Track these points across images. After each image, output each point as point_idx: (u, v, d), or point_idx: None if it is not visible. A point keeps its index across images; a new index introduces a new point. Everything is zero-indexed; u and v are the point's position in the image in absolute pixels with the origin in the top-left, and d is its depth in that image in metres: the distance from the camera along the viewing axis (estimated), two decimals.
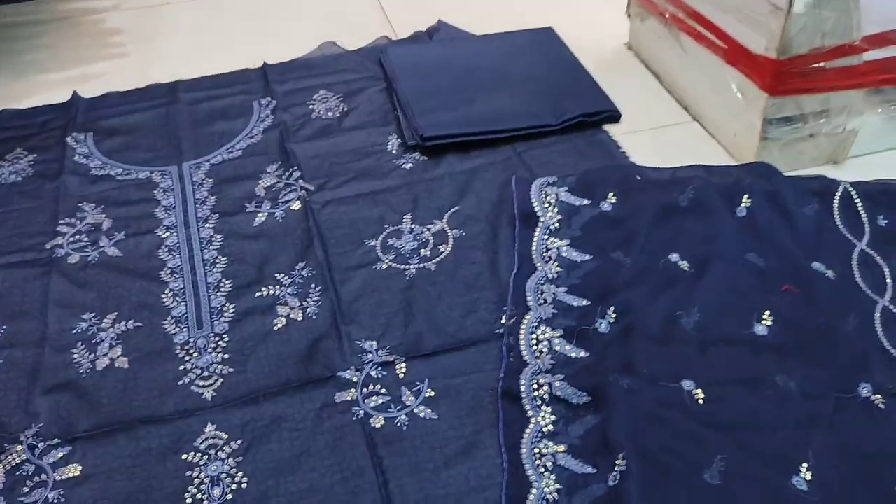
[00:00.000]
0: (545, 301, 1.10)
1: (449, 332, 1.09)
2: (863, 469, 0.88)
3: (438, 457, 0.94)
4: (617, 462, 0.89)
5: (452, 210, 1.29)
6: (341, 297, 1.14)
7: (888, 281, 1.10)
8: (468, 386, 1.02)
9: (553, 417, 0.95)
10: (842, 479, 0.87)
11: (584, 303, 1.09)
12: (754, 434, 0.92)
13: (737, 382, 0.98)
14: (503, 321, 1.08)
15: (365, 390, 1.01)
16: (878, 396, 0.96)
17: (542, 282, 1.13)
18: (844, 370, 0.98)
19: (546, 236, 1.20)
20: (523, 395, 0.98)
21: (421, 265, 1.20)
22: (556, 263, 1.16)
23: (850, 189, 1.23)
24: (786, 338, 1.03)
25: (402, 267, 1.19)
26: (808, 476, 0.88)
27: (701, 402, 0.96)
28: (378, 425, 0.97)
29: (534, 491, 0.88)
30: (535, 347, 1.04)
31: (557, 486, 0.88)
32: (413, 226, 1.26)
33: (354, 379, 1.02)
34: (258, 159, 1.43)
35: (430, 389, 1.01)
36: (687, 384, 0.97)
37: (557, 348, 1.03)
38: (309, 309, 1.13)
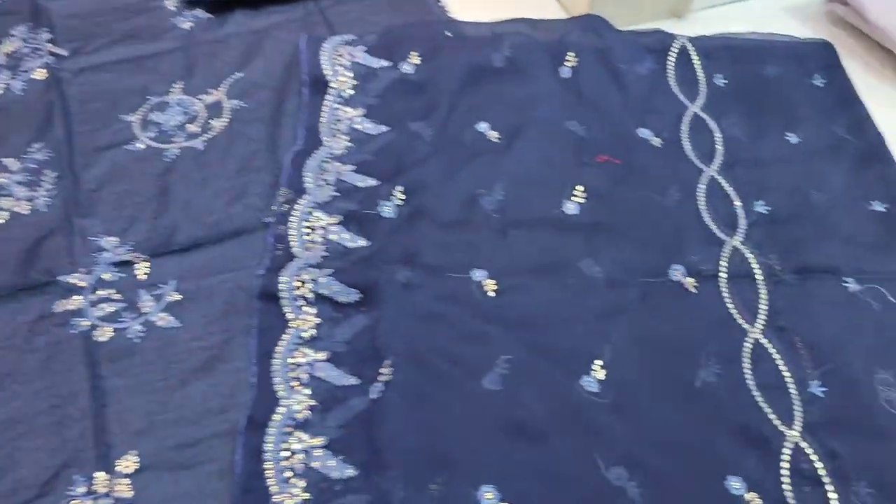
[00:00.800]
0: (326, 182, 0.92)
1: (209, 222, 0.91)
2: (662, 362, 0.77)
3: (175, 374, 0.78)
4: (382, 371, 0.74)
5: (234, 77, 1.07)
6: (81, 184, 0.94)
7: (718, 147, 0.97)
8: (224, 287, 0.85)
9: (317, 320, 0.79)
10: (639, 374, 0.76)
11: (371, 183, 0.91)
12: (548, 330, 0.79)
13: (536, 271, 0.84)
14: (274, 207, 0.90)
15: (93, 297, 0.83)
16: (691, 280, 0.83)
17: (326, 159, 0.95)
18: (658, 250, 0.86)
19: (337, 106, 1.01)
20: (283, 294, 0.81)
21: (187, 144, 0.99)
22: (346, 137, 0.97)
23: (688, 45, 1.08)
24: (597, 216, 0.88)
25: (163, 147, 0.99)
26: (601, 375, 0.75)
27: (492, 294, 0.82)
28: (103, 339, 0.80)
29: (281, 409, 0.73)
30: (307, 237, 0.87)
31: (311, 402, 0.73)
32: (183, 97, 1.05)
33: (81, 283, 0.84)
34: (2, 20, 1.17)
35: (175, 292, 0.84)
36: (477, 274, 0.83)
37: (333, 237, 0.87)
38: (38, 200, 0.92)
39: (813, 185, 0.92)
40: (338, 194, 0.90)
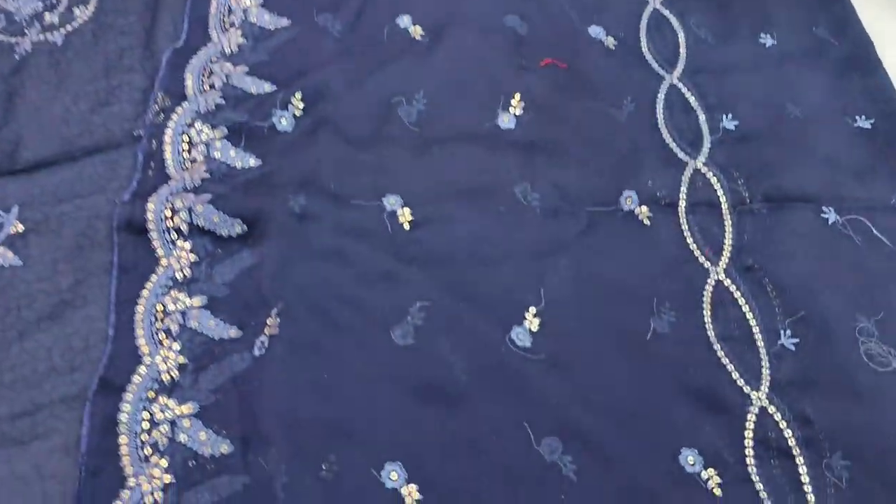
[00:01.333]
0: (211, 87, 0.75)
1: (65, 135, 0.73)
2: (608, 309, 0.64)
3: (13, 323, 0.63)
4: (268, 322, 0.60)
5: None
6: None
7: (681, 50, 0.82)
8: (79, 215, 0.69)
9: (192, 258, 0.64)
10: (579, 324, 0.63)
11: (267, 88, 0.75)
12: (472, 271, 0.66)
13: (460, 197, 0.69)
14: (148, 117, 0.73)
15: None
16: (645, 209, 0.70)
17: (213, 59, 0.77)
18: (607, 174, 0.72)
19: None
20: (151, 225, 0.65)
21: (42, 37, 0.80)
22: (238, 32, 0.80)
23: None
24: (536, 132, 0.74)
25: (13, 40, 0.80)
26: (535, 325, 0.63)
27: (407, 227, 0.67)
28: None
29: (142, 369, 0.59)
30: (185, 155, 0.70)
31: (181, 360, 0.59)
32: None
33: None
34: None
35: (17, 223, 0.67)
36: (390, 202, 0.68)
37: (217, 155, 0.71)
38: None
39: (789, 97, 0.79)
40: (224, 102, 0.74)
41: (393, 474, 0.55)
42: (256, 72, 0.76)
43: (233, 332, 0.61)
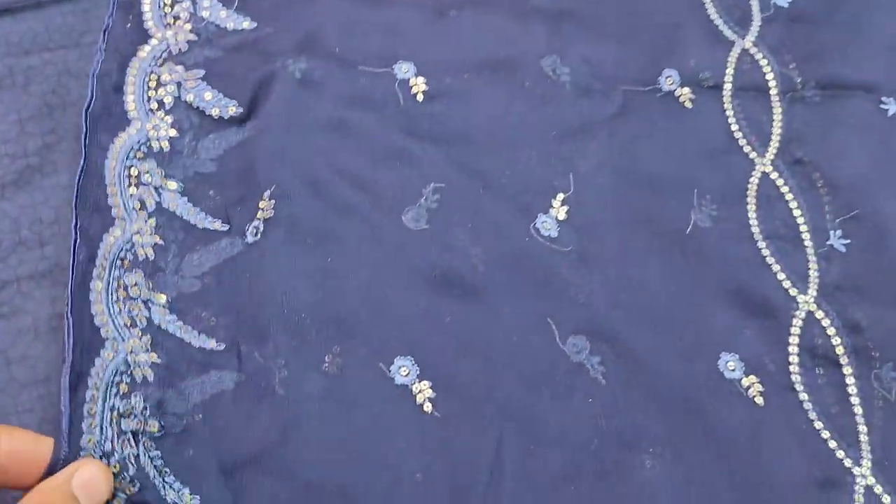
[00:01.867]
0: None
1: None
2: (643, 199, 0.58)
3: None
4: (261, 205, 0.53)
5: None
6: None
7: None
8: (48, 71, 0.61)
9: (173, 132, 0.56)
10: (611, 214, 0.57)
11: None
12: (494, 150, 0.59)
13: (482, 68, 0.61)
14: None
15: None
16: (686, 90, 0.62)
17: None
18: (646, 49, 0.64)
19: None
20: (130, 97, 0.57)
21: None
22: None
23: None
24: None
25: None
26: (562, 214, 0.56)
27: (420, 98, 0.60)
28: None
29: (112, 240, 0.52)
30: (166, 10, 0.61)
31: (158, 240, 0.52)
32: None
33: None
34: None
35: None
36: (402, 69, 0.60)
37: (206, 14, 0.62)
38: None
39: None
40: None
41: (403, 370, 0.49)
42: None
43: (217, 224, 0.54)
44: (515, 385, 0.49)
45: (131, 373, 0.48)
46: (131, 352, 0.49)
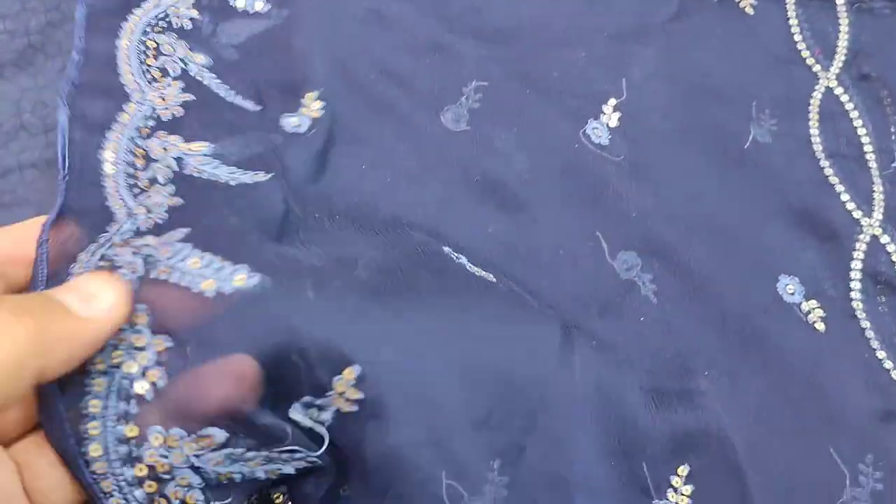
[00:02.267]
0: None
1: None
2: (700, 108, 0.54)
3: None
4: (303, 101, 0.48)
5: None
6: None
7: None
8: None
9: (194, 14, 0.51)
10: (667, 123, 0.52)
11: None
12: (542, 50, 0.54)
13: None
14: None
15: None
16: None
17: None
18: None
19: None
20: None
21: None
22: None
23: None
24: None
25: None
26: (614, 120, 0.52)
27: None
28: None
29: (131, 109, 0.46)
30: None
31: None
32: None
33: None
34: None
35: None
36: None
37: None
38: None
39: None
40: None
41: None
42: None
43: (250, 105, 0.49)
44: (563, 301, 0.46)
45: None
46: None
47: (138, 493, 0.33)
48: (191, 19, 0.50)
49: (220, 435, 0.34)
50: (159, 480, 0.33)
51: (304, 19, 0.51)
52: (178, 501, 0.34)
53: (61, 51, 0.52)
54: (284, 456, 0.35)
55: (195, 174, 0.43)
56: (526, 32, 0.54)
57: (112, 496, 0.33)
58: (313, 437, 0.36)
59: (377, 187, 0.47)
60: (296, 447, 0.35)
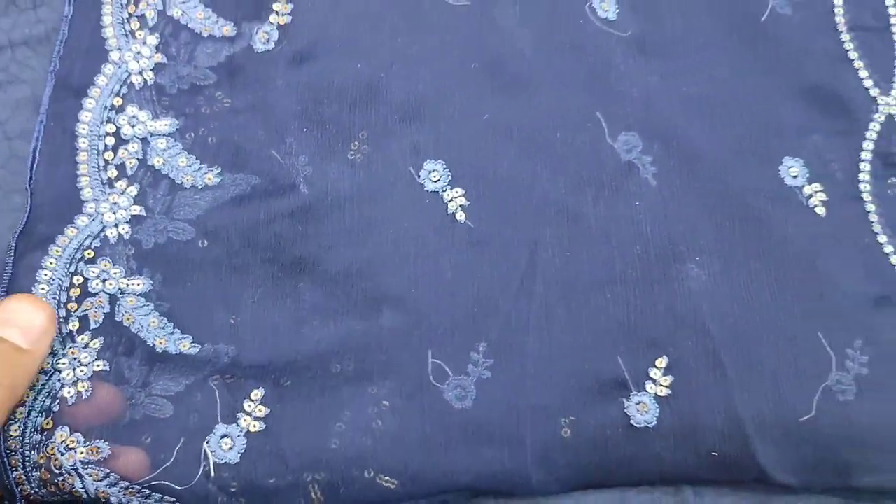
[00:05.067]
0: None
1: None
2: None
3: None
4: (276, 7, 0.47)
5: None
6: None
7: None
8: None
9: None
10: None
11: None
12: None
13: None
14: None
15: None
16: None
17: None
18: None
19: None
20: None
21: None
22: None
23: None
24: None
25: None
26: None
27: None
28: None
29: (109, 68, 0.45)
30: None
31: (158, 57, 0.46)
32: None
33: None
34: None
35: None
36: None
37: None
38: None
39: None
40: None
41: (434, 174, 0.45)
42: None
43: (227, 30, 0.47)
44: (557, 186, 0.45)
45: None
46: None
47: (36, 475, 0.37)
48: None
49: (105, 450, 0.37)
50: (51, 473, 0.37)
51: None
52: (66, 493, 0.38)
53: None
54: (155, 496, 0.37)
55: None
56: None
57: (16, 470, 0.37)
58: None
59: (368, 75, 0.46)
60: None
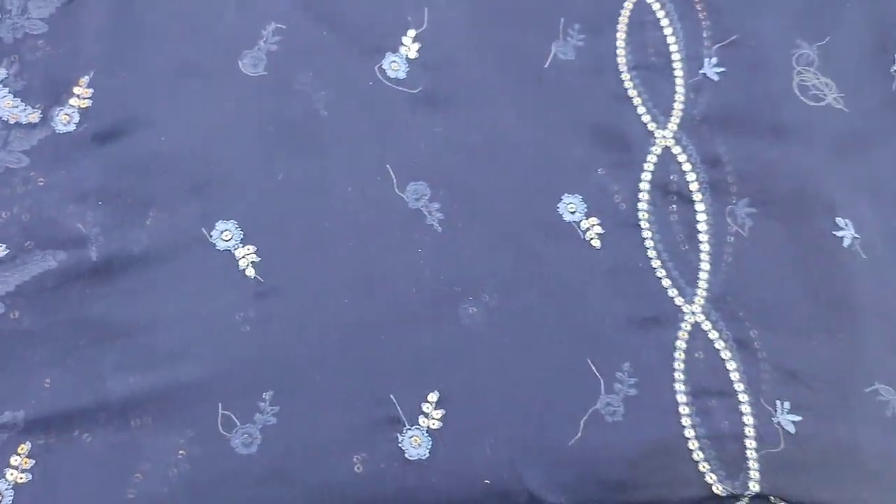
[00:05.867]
0: None
1: None
2: (503, 32, 0.55)
3: None
4: (76, 91, 0.51)
5: None
6: None
7: None
8: None
9: None
10: (466, 50, 0.54)
11: None
12: None
13: None
14: None
15: None
16: None
17: None
18: None
19: None
20: None
21: None
22: None
23: None
24: None
25: None
26: (413, 51, 0.54)
27: None
28: None
29: None
30: None
31: None
32: None
33: None
34: None
35: None
36: None
37: None
38: None
39: None
40: None
41: (226, 234, 0.48)
42: None
43: (33, 117, 0.51)
44: (346, 237, 0.48)
45: None
46: None
47: None
48: None
49: None
50: None
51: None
52: None
53: None
54: None
55: None
56: None
57: None
58: None
59: (164, 136, 0.49)
60: None
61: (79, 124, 0.50)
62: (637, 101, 0.53)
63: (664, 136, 0.52)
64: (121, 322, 0.46)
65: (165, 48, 0.51)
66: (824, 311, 0.48)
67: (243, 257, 0.48)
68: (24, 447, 0.43)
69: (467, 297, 0.47)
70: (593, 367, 0.45)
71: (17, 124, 0.50)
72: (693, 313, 0.48)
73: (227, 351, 0.45)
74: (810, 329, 0.47)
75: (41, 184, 0.49)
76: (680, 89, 0.53)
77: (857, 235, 0.49)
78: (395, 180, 0.50)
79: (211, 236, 0.48)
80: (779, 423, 0.45)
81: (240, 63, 0.52)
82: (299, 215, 0.49)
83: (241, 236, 0.48)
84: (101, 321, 0.46)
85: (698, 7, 0.55)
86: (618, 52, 0.54)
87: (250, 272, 0.47)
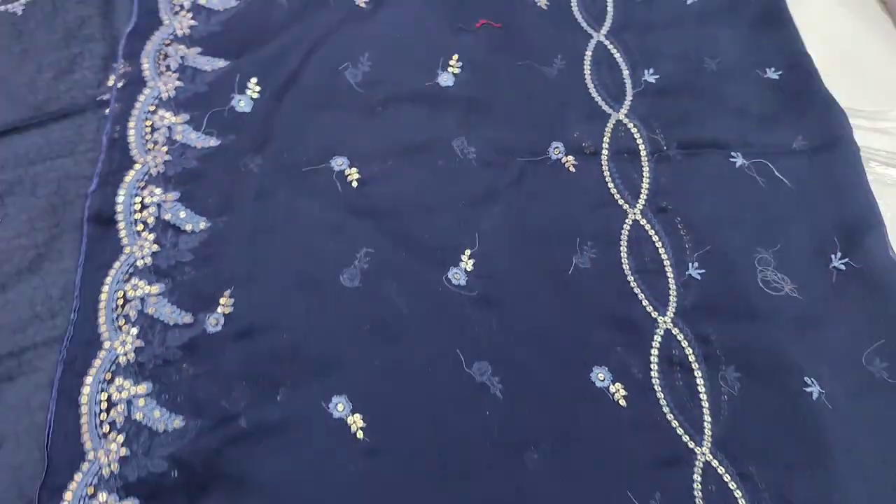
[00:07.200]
0: (168, 68, 0.80)
1: (32, 101, 0.79)
2: (536, 249, 0.72)
3: None
4: (221, 301, 0.67)
5: None
6: None
7: (609, 8, 0.88)
8: (51, 176, 0.75)
9: (155, 247, 0.70)
10: (510, 263, 0.71)
11: (221, 64, 0.80)
12: (414, 219, 0.73)
13: (403, 154, 0.76)
14: (110, 83, 0.79)
15: None
16: (570, 158, 0.77)
17: (167, 41, 0.82)
18: (538, 127, 0.79)
19: None
20: (119, 216, 0.71)
21: (3, 8, 0.85)
22: (189, 14, 0.84)
23: None
24: (473, 89, 0.80)
25: None
26: (469, 265, 0.70)
27: (354, 184, 0.74)
28: None
29: (102, 353, 0.65)
30: (147, 138, 0.76)
31: (138, 343, 0.65)
32: None
33: None
34: None
35: None
36: (338, 162, 0.75)
37: (179, 138, 0.76)
38: None
39: (706, 52, 0.85)
40: (182, 84, 0.79)
41: (340, 406, 0.62)
42: (209, 48, 0.81)
43: (187, 318, 0.67)
44: (430, 406, 0.63)
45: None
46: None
47: None
48: (152, 255, 0.70)
49: None
50: None
51: (234, 234, 0.71)
52: None
53: (62, 256, 0.71)
54: None
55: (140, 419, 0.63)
56: (403, 207, 0.73)
57: None
58: None
59: (286, 335, 0.65)
60: None
61: (224, 325, 0.65)
62: (641, 296, 0.70)
63: (665, 322, 0.68)
64: (254, 476, 0.59)
65: (285, 268, 0.68)
66: (803, 450, 0.62)
67: (353, 423, 0.61)
68: None
69: (529, 446, 0.60)
70: (631, 496, 0.58)
71: (175, 325, 0.66)
72: (703, 454, 0.61)
73: (345, 500, 0.58)
74: (794, 465, 0.61)
75: (190, 373, 0.64)
76: (672, 287, 0.70)
77: (822, 391, 0.64)
78: (463, 361, 0.65)
79: (328, 407, 0.62)
80: None
81: (341, 278, 0.68)
82: (393, 391, 0.63)
83: (351, 407, 0.62)
84: (240, 475, 0.59)
85: (680, 226, 0.74)
86: (622, 261, 0.72)
87: (360, 435, 0.61)
